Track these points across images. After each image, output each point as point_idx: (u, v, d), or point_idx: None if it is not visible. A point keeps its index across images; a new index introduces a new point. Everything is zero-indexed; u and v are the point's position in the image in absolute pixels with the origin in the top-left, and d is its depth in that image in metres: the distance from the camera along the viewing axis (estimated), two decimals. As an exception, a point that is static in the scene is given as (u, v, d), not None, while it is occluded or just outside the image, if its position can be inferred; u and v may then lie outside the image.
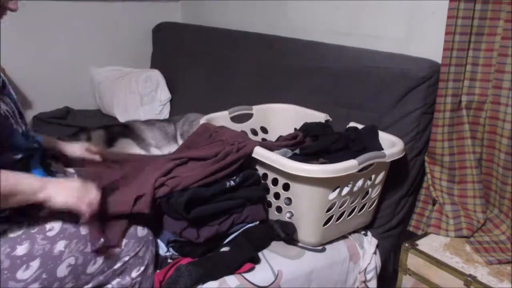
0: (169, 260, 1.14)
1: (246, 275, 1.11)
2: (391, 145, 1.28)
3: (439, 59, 1.31)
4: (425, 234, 1.35)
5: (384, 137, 1.33)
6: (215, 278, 1.08)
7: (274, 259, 1.18)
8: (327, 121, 1.49)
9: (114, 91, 2.24)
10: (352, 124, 1.42)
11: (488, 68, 1.27)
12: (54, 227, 0.94)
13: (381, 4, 1.55)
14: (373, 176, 1.26)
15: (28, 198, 0.88)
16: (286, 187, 1.20)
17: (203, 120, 1.43)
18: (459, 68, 1.29)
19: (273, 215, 1.28)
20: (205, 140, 1.31)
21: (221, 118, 1.50)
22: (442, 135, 1.34)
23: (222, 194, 1.16)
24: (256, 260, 1.16)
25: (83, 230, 0.97)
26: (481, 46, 1.27)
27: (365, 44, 1.57)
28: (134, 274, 1.05)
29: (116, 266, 1.01)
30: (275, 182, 1.22)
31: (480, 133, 1.33)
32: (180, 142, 1.85)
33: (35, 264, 0.89)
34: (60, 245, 0.93)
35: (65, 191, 0.92)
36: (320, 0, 1.76)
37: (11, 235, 0.89)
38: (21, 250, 0.89)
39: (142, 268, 1.06)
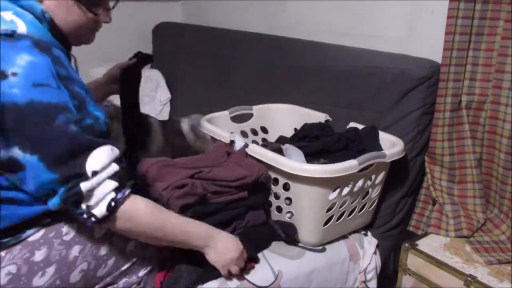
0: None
1: (246, 275, 1.11)
2: (391, 145, 1.28)
3: (439, 59, 1.31)
4: (425, 234, 1.35)
5: (384, 137, 1.33)
6: (215, 277, 1.08)
7: (274, 259, 1.18)
8: (327, 121, 1.49)
9: (114, 91, 2.24)
10: (352, 124, 1.42)
11: (488, 68, 1.27)
12: (70, 230, 0.91)
13: (381, 4, 1.55)
14: (373, 176, 1.26)
15: (189, 247, 0.99)
16: (286, 187, 1.20)
17: (203, 120, 1.43)
18: (459, 68, 1.29)
19: (273, 215, 1.28)
20: (221, 157, 1.28)
21: (221, 118, 1.50)
22: (442, 135, 1.34)
23: (225, 205, 1.15)
24: (255, 260, 1.16)
25: (97, 234, 0.95)
26: (481, 46, 1.27)
27: (365, 44, 1.57)
28: (141, 273, 1.04)
29: (124, 267, 1.01)
30: (275, 182, 1.22)
31: (480, 133, 1.33)
32: (191, 136, 1.84)
33: (50, 270, 0.88)
34: (75, 250, 0.91)
35: (218, 255, 1.02)
36: (320, 0, 1.76)
37: (30, 239, 0.87)
38: (39, 255, 0.87)
39: (149, 268, 1.05)
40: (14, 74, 0.73)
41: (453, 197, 1.38)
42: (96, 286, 0.98)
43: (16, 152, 0.76)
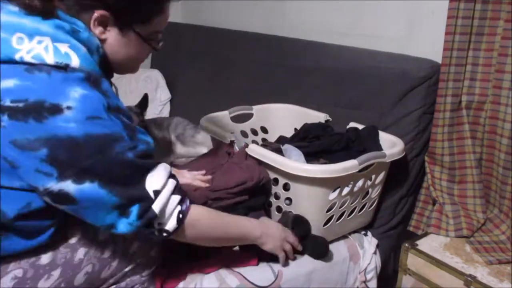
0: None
1: (246, 275, 1.11)
2: (391, 145, 1.28)
3: (439, 59, 1.31)
4: (425, 234, 1.35)
5: (384, 137, 1.33)
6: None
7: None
8: (327, 121, 1.49)
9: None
10: (352, 124, 1.42)
11: (488, 68, 1.27)
12: (75, 233, 0.91)
13: (381, 4, 1.55)
14: (373, 176, 1.26)
15: (247, 241, 1.07)
16: (286, 187, 1.20)
17: (203, 120, 1.43)
18: (459, 68, 1.29)
19: (273, 215, 1.28)
20: (221, 158, 1.28)
21: (221, 118, 1.49)
22: (442, 135, 1.34)
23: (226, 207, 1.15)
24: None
25: (101, 236, 0.94)
26: (481, 46, 1.27)
27: (365, 44, 1.57)
28: (145, 273, 1.04)
29: (127, 269, 1.00)
30: (275, 182, 1.22)
31: (480, 133, 1.33)
32: (178, 145, 1.86)
33: (56, 273, 0.87)
34: (80, 253, 0.91)
35: (272, 239, 1.09)
36: (320, 0, 1.76)
37: None
38: (45, 259, 0.86)
39: (153, 268, 1.05)
40: (69, 108, 0.73)
41: (453, 197, 1.38)
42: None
43: (69, 186, 0.75)
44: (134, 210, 0.81)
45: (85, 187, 0.76)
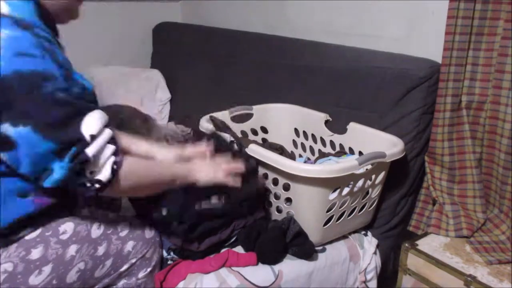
0: (169, 262, 1.14)
1: (246, 275, 1.11)
2: (391, 145, 1.28)
3: (439, 59, 1.31)
4: (425, 234, 1.35)
5: (384, 137, 1.33)
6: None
7: (274, 259, 1.18)
8: (327, 121, 1.49)
9: (114, 91, 2.24)
10: (352, 124, 1.42)
11: (488, 68, 1.27)
12: (67, 230, 0.92)
13: (381, 4, 1.55)
14: (373, 176, 1.26)
15: (181, 182, 1.00)
16: (286, 187, 1.20)
17: (203, 120, 1.43)
18: (459, 68, 1.29)
19: (273, 215, 1.28)
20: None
21: (221, 118, 1.49)
22: (442, 135, 1.34)
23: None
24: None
25: (94, 234, 0.95)
26: (481, 46, 1.27)
27: (365, 44, 1.57)
28: (140, 275, 1.04)
29: (122, 269, 1.01)
30: (275, 182, 1.22)
31: (480, 133, 1.33)
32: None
33: (47, 269, 0.87)
34: (72, 250, 0.91)
35: (204, 168, 1.04)
36: (320, 0, 1.76)
37: (27, 237, 0.87)
38: (35, 253, 0.87)
39: (149, 269, 1.05)
40: None
41: (453, 197, 1.38)
42: (95, 287, 0.98)
43: (7, 128, 0.75)
44: (69, 153, 0.78)
45: (21, 130, 0.74)
